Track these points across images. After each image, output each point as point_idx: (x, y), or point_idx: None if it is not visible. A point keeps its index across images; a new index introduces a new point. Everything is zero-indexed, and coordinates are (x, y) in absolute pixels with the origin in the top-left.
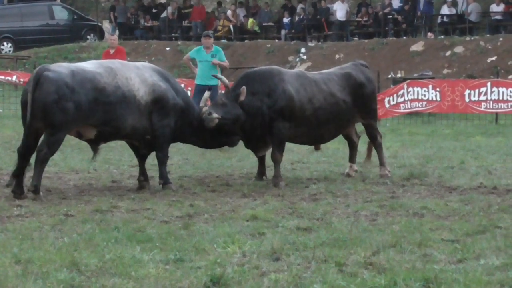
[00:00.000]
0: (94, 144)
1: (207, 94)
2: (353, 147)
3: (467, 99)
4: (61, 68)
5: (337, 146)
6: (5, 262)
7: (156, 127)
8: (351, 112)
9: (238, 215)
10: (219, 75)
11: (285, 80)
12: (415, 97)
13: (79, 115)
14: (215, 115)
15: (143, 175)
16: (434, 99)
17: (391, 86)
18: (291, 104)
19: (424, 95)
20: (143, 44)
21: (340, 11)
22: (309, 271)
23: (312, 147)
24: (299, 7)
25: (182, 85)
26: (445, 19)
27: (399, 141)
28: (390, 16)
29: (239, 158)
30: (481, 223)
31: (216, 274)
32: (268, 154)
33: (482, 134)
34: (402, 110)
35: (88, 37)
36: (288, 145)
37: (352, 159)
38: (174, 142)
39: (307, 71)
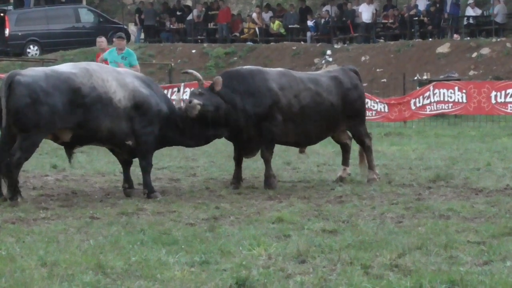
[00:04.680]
0: (69, 148)
1: (176, 95)
2: (345, 150)
3: (493, 101)
4: (34, 71)
5: None
6: (31, 265)
7: (139, 134)
8: (339, 115)
9: (264, 217)
10: (190, 70)
11: (268, 79)
12: (441, 99)
13: (55, 118)
14: (196, 101)
15: (127, 182)
16: (460, 101)
17: (417, 88)
18: (276, 101)
19: (450, 97)
20: (168, 47)
21: (366, 13)
22: (334, 273)
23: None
24: (324, 9)
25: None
26: (471, 20)
27: (425, 143)
28: (416, 18)
29: None
30: (507, 225)
31: (242, 276)
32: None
33: (508, 135)
34: (428, 112)
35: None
36: (314, 147)
37: (345, 162)
38: (162, 147)
39: (293, 70)
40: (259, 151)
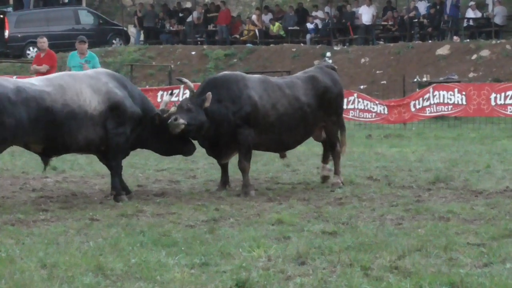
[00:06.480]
0: (45, 157)
1: (167, 97)
2: (326, 148)
3: (493, 103)
4: (6, 82)
5: (362, 150)
6: (31, 267)
7: (110, 135)
8: (317, 116)
9: (264, 219)
10: (184, 79)
11: (249, 86)
12: (441, 101)
13: (20, 132)
14: (181, 121)
15: (124, 189)
16: (460, 102)
17: (417, 90)
18: (255, 110)
19: (450, 99)
20: (168, 49)
21: (365, 15)
22: (334, 275)
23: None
24: (325, 10)
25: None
26: (471, 22)
27: (425, 144)
28: (416, 20)
29: (265, 162)
30: (507, 227)
31: (242, 278)
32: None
33: (508, 137)
34: (428, 114)
35: (114, 41)
36: (314, 149)
37: (325, 159)
38: (134, 149)
39: (271, 77)
40: (238, 160)
